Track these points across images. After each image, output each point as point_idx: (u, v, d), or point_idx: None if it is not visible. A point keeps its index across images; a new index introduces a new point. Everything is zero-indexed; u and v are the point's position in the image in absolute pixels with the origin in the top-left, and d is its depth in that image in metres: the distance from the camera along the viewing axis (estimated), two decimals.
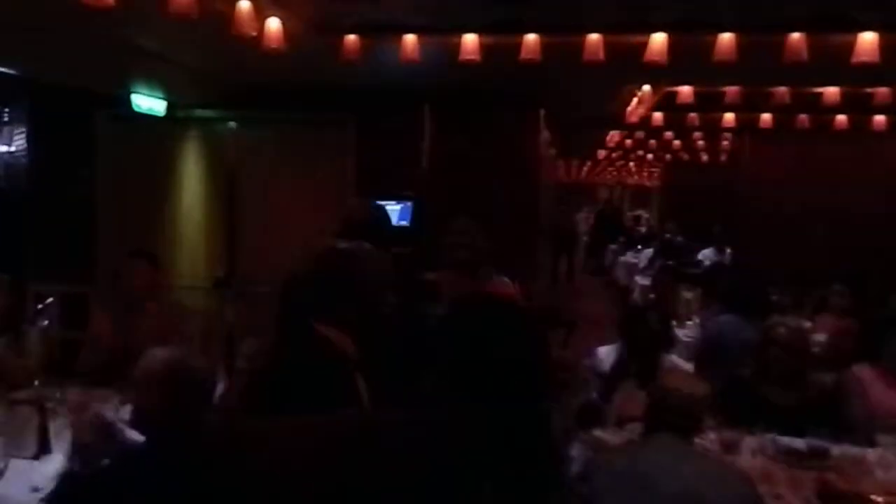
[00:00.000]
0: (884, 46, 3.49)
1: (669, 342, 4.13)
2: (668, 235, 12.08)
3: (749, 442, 2.92)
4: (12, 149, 5.92)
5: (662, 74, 4.84)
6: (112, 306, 3.89)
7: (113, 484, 1.92)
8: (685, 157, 12.06)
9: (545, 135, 6.67)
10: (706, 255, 10.06)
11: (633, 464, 2.17)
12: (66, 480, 1.97)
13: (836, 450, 2.84)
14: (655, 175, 17.80)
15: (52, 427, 2.74)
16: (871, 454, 2.84)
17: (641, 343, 3.45)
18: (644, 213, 20.00)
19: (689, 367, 3.66)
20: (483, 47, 3.71)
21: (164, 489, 1.93)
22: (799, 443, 2.90)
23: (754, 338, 3.55)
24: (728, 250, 9.55)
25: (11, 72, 4.89)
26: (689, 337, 5.65)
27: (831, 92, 5.38)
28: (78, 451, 2.37)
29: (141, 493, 1.91)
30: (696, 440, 2.56)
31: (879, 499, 2.45)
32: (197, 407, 2.21)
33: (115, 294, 3.90)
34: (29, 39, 3.87)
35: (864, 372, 3.45)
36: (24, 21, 3.46)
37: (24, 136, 5.93)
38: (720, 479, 2.14)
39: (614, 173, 20.57)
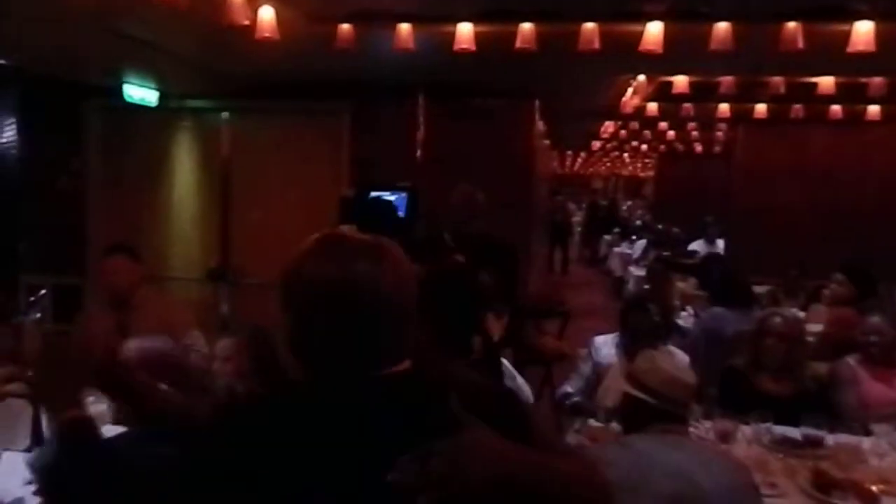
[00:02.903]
0: (880, 36, 3.48)
1: (668, 333, 4.14)
2: (660, 226, 12.13)
3: (744, 431, 2.93)
4: (2, 140, 5.88)
5: (658, 64, 4.82)
6: (101, 301, 3.84)
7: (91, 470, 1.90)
8: (679, 147, 12.06)
9: (539, 125, 6.65)
10: (697, 245, 10.10)
11: (628, 454, 2.17)
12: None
13: (831, 439, 2.85)
14: (649, 166, 17.81)
15: (45, 420, 2.72)
16: (865, 443, 2.85)
17: (642, 334, 3.44)
18: (631, 203, 20.03)
19: (685, 357, 3.66)
20: (478, 36, 3.69)
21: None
22: (794, 432, 2.91)
23: (748, 328, 3.57)
24: (719, 241, 9.59)
25: (1, 62, 4.84)
26: (685, 326, 5.67)
27: (826, 82, 5.38)
28: None
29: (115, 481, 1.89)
30: (691, 430, 2.57)
31: (874, 487, 2.45)
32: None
33: (101, 290, 3.84)
34: (18, 29, 3.82)
35: (854, 362, 3.47)
36: (12, 10, 3.41)
37: (14, 127, 5.88)
38: (717, 469, 2.14)
39: (608, 164, 20.58)
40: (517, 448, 1.18)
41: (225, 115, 5.89)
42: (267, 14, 3.42)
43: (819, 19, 3.52)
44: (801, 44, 3.52)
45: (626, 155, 16.34)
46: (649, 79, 5.56)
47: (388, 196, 5.32)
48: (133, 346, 2.29)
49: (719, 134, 9.70)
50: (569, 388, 3.61)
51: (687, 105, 6.80)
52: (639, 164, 19.44)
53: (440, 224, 3.23)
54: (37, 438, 2.66)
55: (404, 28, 3.73)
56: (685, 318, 5.92)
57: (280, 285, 1.20)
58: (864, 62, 3.99)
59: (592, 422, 3.07)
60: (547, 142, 9.23)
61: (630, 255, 11.20)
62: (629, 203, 20.04)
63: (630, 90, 6.09)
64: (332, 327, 1.16)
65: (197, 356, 3.46)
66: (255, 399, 1.31)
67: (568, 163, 19.65)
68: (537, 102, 6.05)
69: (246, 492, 1.13)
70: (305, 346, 1.20)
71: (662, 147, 12.68)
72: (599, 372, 3.57)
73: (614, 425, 2.92)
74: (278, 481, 1.12)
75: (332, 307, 1.16)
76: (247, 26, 3.32)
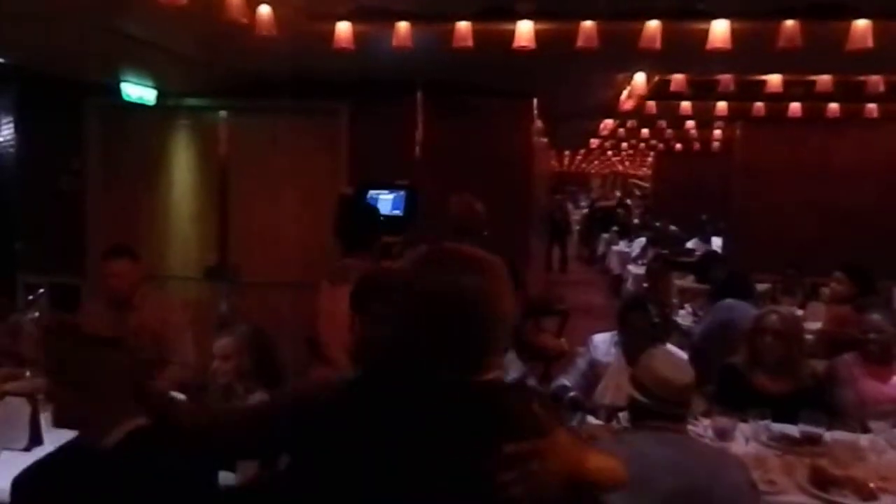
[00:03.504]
0: (878, 34, 3.48)
1: (667, 332, 4.14)
2: (657, 224, 12.15)
3: (743, 429, 2.93)
4: (0, 139, 5.87)
5: (656, 62, 4.82)
6: (101, 301, 3.83)
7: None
8: (678, 146, 12.06)
9: (538, 123, 6.65)
10: (693, 244, 10.14)
11: (626, 451, 2.17)
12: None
13: (829, 436, 2.86)
14: (648, 164, 17.80)
15: (44, 418, 2.72)
16: (863, 440, 2.86)
17: (641, 333, 3.44)
18: (627, 201, 20.04)
19: (684, 355, 3.67)
20: (476, 34, 3.69)
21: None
22: (792, 429, 2.91)
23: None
24: (714, 239, 9.63)
25: None
26: (684, 324, 5.68)
27: (824, 80, 5.38)
28: None
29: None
30: (690, 427, 2.57)
31: (873, 484, 2.46)
32: None
33: (103, 291, 3.83)
34: (16, 27, 3.82)
35: (851, 360, 3.48)
36: (11, 8, 3.40)
37: (12, 125, 5.88)
38: (715, 466, 2.15)
39: (607, 163, 20.57)
40: (585, 446, 1.35)
41: (223, 113, 5.89)
42: (265, 12, 3.42)
43: (817, 17, 3.51)
44: (799, 42, 3.52)
45: (624, 153, 16.34)
46: (648, 77, 5.56)
47: (387, 194, 5.32)
48: None
49: (717, 132, 9.71)
50: (565, 382, 3.61)
51: (685, 103, 6.80)
52: (637, 163, 19.43)
53: (438, 235, 3.14)
54: (35, 437, 2.67)
55: (403, 26, 3.72)
56: (684, 317, 5.94)
57: (385, 295, 1.33)
58: (862, 60, 3.99)
59: (591, 419, 3.08)
60: (545, 140, 9.23)
61: (629, 253, 11.20)
62: (629, 201, 20.06)
63: (628, 88, 6.08)
64: (438, 335, 1.26)
65: (173, 369, 3.48)
66: (348, 400, 1.34)
67: (566, 161, 19.66)
68: (535, 101, 6.05)
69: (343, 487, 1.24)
70: (409, 352, 1.29)
71: (661, 145, 12.68)
72: (598, 370, 3.57)
73: (614, 423, 2.93)
74: (375, 481, 1.22)
75: (439, 316, 1.25)
76: (245, 24, 3.31)
